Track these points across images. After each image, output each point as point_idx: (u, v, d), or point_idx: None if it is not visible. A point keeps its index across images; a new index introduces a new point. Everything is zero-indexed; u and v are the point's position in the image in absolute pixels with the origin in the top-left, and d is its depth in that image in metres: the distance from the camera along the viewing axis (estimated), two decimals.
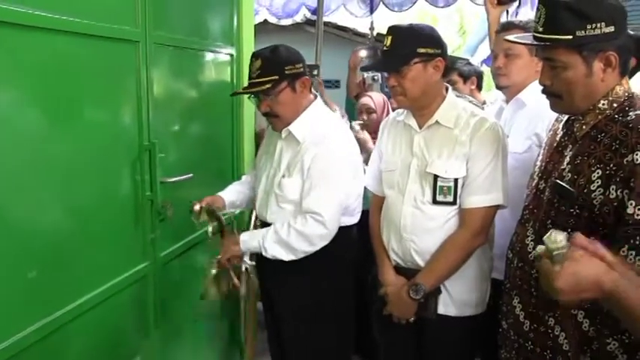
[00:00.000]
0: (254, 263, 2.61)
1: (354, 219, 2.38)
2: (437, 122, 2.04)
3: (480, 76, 3.96)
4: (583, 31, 1.45)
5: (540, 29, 1.52)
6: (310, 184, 2.18)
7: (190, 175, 2.35)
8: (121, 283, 2.01)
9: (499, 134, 2.00)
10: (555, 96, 1.59)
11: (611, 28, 1.44)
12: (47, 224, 1.67)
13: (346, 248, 2.34)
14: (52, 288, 1.68)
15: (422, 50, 1.98)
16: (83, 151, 1.79)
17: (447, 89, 2.12)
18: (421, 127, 2.08)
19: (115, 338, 2.04)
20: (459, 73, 3.80)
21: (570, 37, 1.46)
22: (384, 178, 2.22)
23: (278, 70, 2.17)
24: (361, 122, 3.25)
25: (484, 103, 3.18)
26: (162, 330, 2.29)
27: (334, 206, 2.19)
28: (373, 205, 2.31)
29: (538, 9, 1.53)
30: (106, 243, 1.94)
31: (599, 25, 1.44)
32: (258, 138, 3.12)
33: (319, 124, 2.26)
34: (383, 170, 2.23)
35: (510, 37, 1.72)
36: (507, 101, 2.36)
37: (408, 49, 1.99)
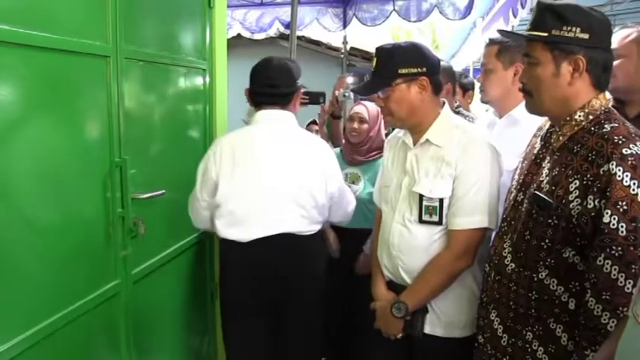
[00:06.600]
0: None
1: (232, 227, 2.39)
2: (427, 140, 2.01)
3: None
4: (558, 31, 1.53)
5: (529, 27, 1.61)
6: None
7: (163, 191, 2.30)
8: (91, 302, 1.95)
9: (489, 155, 1.94)
10: (528, 94, 1.65)
11: (586, 35, 1.52)
12: (13, 243, 1.61)
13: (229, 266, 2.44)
14: (18, 309, 1.62)
15: (403, 71, 1.97)
16: (52, 167, 1.74)
17: (442, 104, 2.08)
18: (415, 145, 2.06)
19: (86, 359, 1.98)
20: (459, 85, 3.80)
21: (546, 34, 1.55)
22: (382, 193, 2.22)
23: None
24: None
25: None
26: (135, 349, 2.23)
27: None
28: (376, 219, 2.31)
29: (534, 10, 1.64)
30: (75, 261, 1.88)
31: (574, 28, 1.52)
32: None
33: None
34: (381, 185, 2.23)
35: (500, 30, 1.89)
36: (500, 116, 2.33)
37: (390, 70, 1.98)
